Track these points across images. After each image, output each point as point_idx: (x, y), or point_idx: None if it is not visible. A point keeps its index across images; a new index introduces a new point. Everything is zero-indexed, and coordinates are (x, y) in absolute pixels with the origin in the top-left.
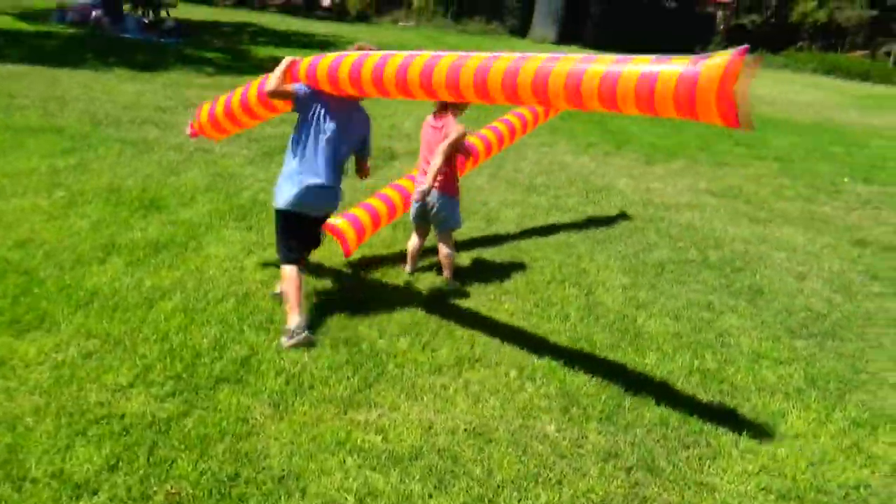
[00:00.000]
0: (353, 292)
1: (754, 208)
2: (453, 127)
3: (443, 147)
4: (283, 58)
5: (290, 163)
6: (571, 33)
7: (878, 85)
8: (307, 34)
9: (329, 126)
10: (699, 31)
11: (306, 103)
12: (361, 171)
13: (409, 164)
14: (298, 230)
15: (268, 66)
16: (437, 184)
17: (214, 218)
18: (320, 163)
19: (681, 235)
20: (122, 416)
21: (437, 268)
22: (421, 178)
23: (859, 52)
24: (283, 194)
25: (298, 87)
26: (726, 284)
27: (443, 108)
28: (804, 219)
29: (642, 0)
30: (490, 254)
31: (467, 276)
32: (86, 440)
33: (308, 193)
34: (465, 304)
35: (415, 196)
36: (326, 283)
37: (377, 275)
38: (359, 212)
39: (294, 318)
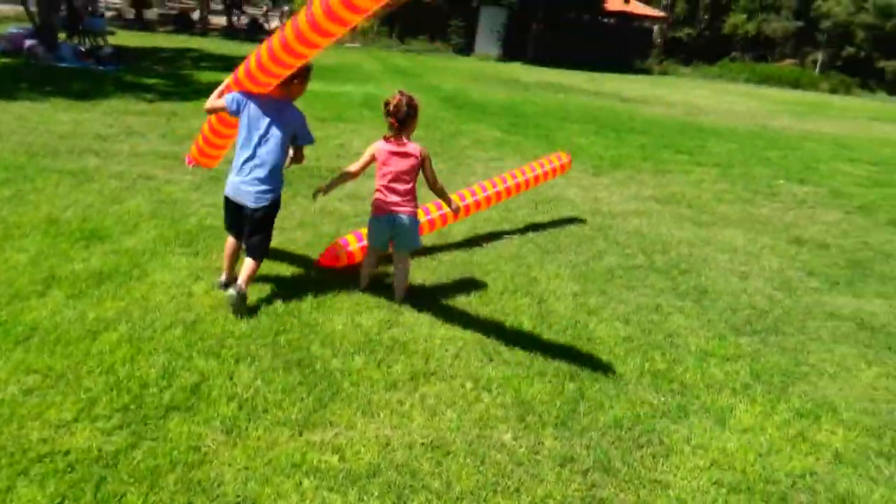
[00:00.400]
0: (306, 313)
1: (697, 212)
2: (422, 153)
3: (435, 181)
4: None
5: (236, 158)
6: (514, 51)
7: (808, 91)
8: None
9: (262, 123)
10: (638, 45)
11: (238, 108)
12: (297, 159)
13: (360, 184)
14: (237, 214)
15: (211, 90)
16: (410, 209)
17: (159, 245)
18: (257, 158)
19: (628, 242)
20: (67, 453)
21: (389, 286)
22: (390, 206)
23: (788, 61)
24: (227, 184)
25: (228, 97)
26: (673, 287)
27: (398, 132)
28: (744, 220)
29: (582, 17)
30: (442, 268)
31: (420, 291)
32: (28, 480)
33: (243, 185)
34: (418, 318)
35: (386, 223)
36: (277, 306)
37: (329, 295)
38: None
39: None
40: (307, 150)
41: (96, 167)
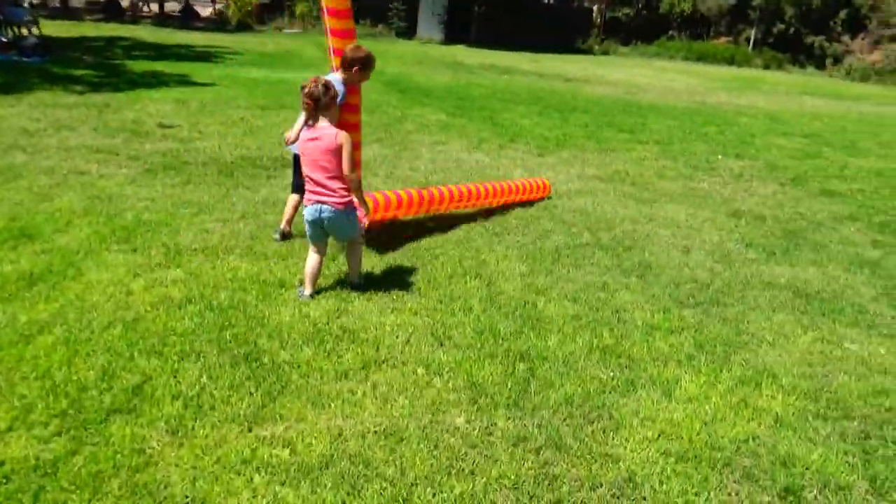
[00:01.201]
0: (251, 307)
1: (640, 189)
2: (339, 137)
3: (350, 167)
4: (161, 71)
5: None
6: (457, 34)
7: (742, 68)
8: (186, 45)
9: None
10: (578, 26)
11: None
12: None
13: None
14: None
15: (145, 80)
16: (335, 199)
17: (94, 242)
18: None
19: (574, 221)
20: (2, 463)
21: (337, 275)
22: (314, 196)
23: (723, 39)
24: None
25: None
26: (618, 264)
27: (315, 115)
28: (685, 196)
29: None
30: (391, 255)
31: (369, 279)
32: None
33: None
34: (368, 306)
35: (311, 216)
36: (222, 300)
37: (276, 287)
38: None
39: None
40: (247, 140)
41: (24, 163)
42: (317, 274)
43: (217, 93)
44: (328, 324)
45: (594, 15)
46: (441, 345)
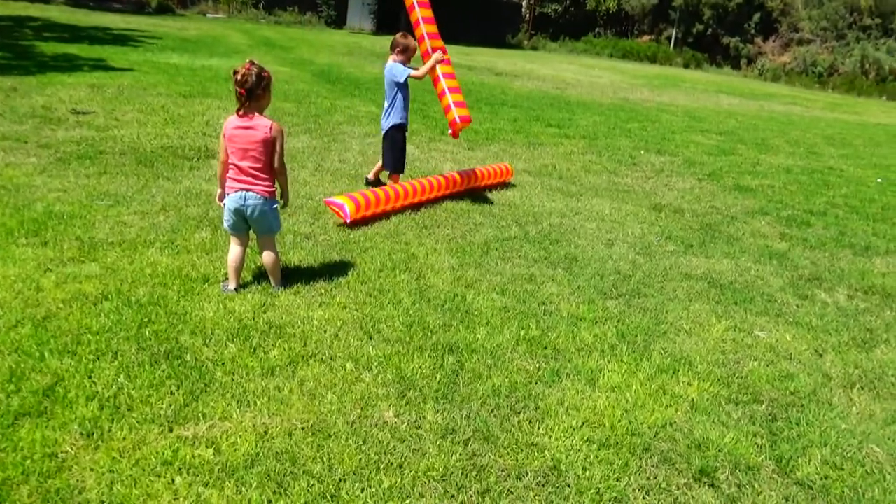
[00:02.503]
0: (173, 303)
1: (567, 183)
2: (273, 129)
3: (281, 162)
4: (75, 54)
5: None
6: (388, 24)
7: (664, 66)
8: (102, 28)
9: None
10: (508, 21)
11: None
12: None
13: None
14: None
15: (57, 64)
16: (262, 188)
17: (1, 236)
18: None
19: (503, 214)
20: None
21: (262, 272)
22: (238, 184)
23: (646, 37)
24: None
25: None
26: (545, 256)
27: (248, 106)
28: (610, 190)
29: None
30: (318, 249)
31: (296, 273)
32: None
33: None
34: (295, 301)
35: (235, 203)
36: (141, 296)
37: (198, 282)
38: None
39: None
40: (168, 129)
41: None
42: (240, 267)
43: (135, 79)
44: (254, 319)
45: (523, 10)
46: (370, 339)
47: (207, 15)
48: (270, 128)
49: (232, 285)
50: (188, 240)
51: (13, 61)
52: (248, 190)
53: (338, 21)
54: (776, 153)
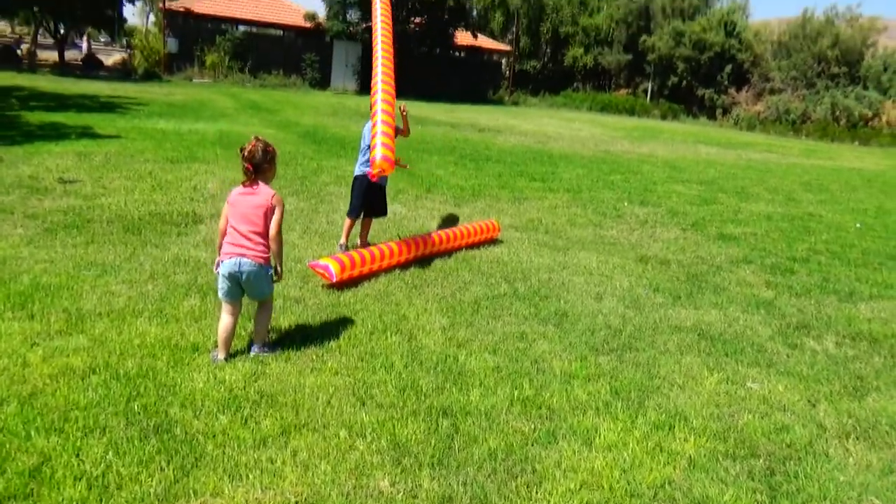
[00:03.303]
0: (162, 374)
1: (553, 237)
2: (275, 199)
3: (278, 231)
4: (62, 122)
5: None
6: (370, 84)
7: (642, 118)
8: (89, 96)
9: None
10: (489, 78)
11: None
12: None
13: (216, 227)
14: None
15: (44, 133)
16: (257, 253)
17: None
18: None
19: (492, 271)
20: None
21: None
22: (234, 248)
23: (623, 91)
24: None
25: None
26: (536, 313)
27: (253, 177)
28: (596, 243)
29: (434, 51)
30: (308, 313)
31: (286, 339)
32: None
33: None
34: (286, 368)
35: (229, 269)
36: (129, 368)
37: (188, 352)
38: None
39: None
40: (156, 195)
41: None
42: (230, 337)
43: (122, 146)
44: (245, 388)
45: (503, 68)
46: (363, 405)
47: (194, 80)
48: (272, 196)
49: (221, 355)
50: (177, 308)
51: None
52: (242, 256)
53: (322, 82)
54: (756, 201)
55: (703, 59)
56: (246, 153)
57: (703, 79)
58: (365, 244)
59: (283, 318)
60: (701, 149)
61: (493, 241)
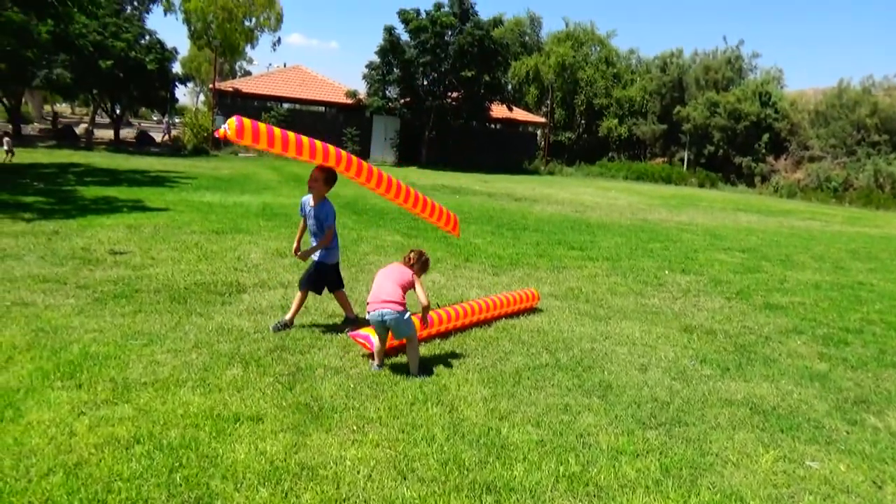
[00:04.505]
0: (204, 444)
1: (594, 306)
2: (413, 276)
3: (424, 295)
4: (114, 196)
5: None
6: (408, 156)
7: (679, 186)
8: (140, 171)
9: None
10: (524, 148)
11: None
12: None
13: (259, 296)
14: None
15: (97, 206)
16: (397, 307)
17: (37, 379)
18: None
19: (532, 340)
20: None
21: (295, 404)
22: (377, 303)
23: (659, 160)
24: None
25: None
26: (579, 384)
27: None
28: (638, 312)
29: (470, 124)
30: (350, 383)
31: (327, 408)
32: None
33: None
34: (327, 439)
35: (374, 319)
36: (172, 439)
37: (229, 421)
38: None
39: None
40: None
41: None
42: (383, 352)
43: (171, 218)
44: (285, 460)
45: (539, 138)
46: (404, 479)
47: (239, 154)
48: (411, 274)
49: (377, 361)
50: (220, 377)
51: (56, 206)
52: (385, 308)
53: (362, 155)
54: (802, 269)
55: (739, 129)
56: (412, 255)
57: (740, 147)
58: (353, 318)
59: (324, 388)
60: (741, 216)
61: (532, 310)
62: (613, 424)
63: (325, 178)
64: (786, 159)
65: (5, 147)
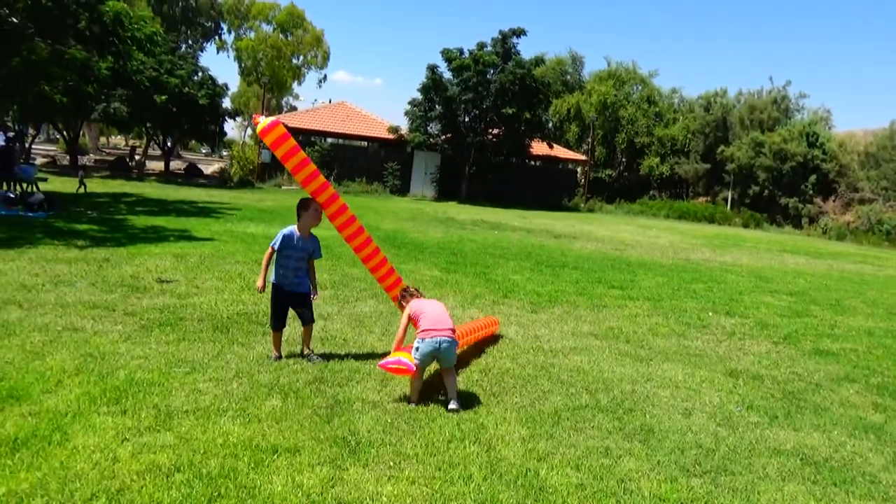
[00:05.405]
0: (242, 475)
1: (635, 347)
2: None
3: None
4: (162, 226)
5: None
6: (448, 191)
7: (722, 226)
8: (188, 201)
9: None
10: (564, 185)
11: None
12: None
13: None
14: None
15: (146, 235)
16: (453, 336)
17: (84, 404)
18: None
19: (572, 380)
20: None
21: (330, 437)
22: (438, 332)
23: (701, 199)
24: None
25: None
26: (620, 427)
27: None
28: (680, 354)
29: (510, 160)
30: (387, 418)
31: (364, 442)
32: None
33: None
34: (364, 474)
35: (431, 347)
36: (212, 468)
37: (268, 453)
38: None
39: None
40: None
41: (18, 320)
42: (420, 388)
43: (216, 248)
44: (322, 494)
45: (579, 176)
46: None
47: (283, 187)
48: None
49: (414, 398)
50: (259, 408)
51: (107, 234)
52: (443, 337)
53: (402, 189)
54: (854, 315)
55: (785, 169)
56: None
57: (787, 188)
58: (308, 353)
59: (361, 422)
60: (788, 258)
61: (568, 349)
62: (656, 470)
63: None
64: (834, 201)
65: (79, 178)
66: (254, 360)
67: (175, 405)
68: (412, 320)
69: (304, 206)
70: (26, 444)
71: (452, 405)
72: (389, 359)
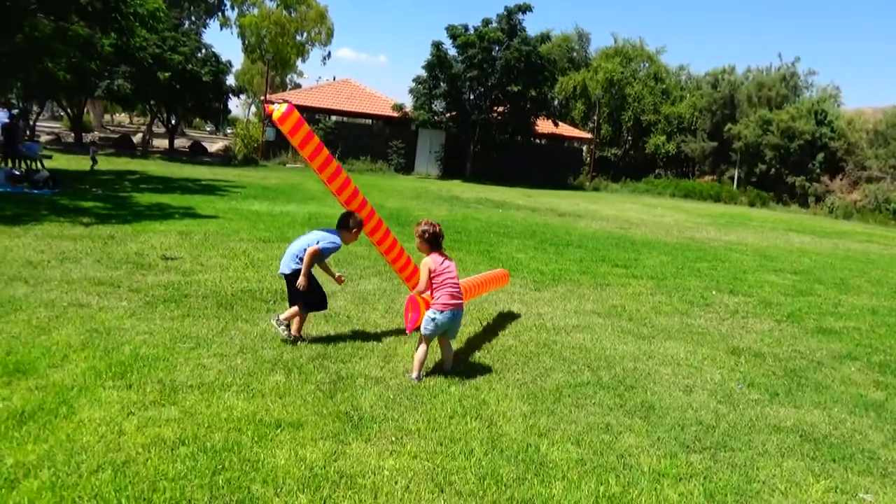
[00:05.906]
0: (246, 449)
1: (637, 325)
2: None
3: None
4: (167, 203)
5: None
6: (453, 170)
7: (728, 204)
8: (192, 179)
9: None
10: (569, 163)
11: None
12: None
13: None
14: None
15: (151, 212)
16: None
17: (89, 378)
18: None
19: (574, 358)
20: None
21: (335, 412)
22: (456, 300)
23: (707, 178)
24: None
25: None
26: (621, 404)
27: (440, 248)
28: (683, 332)
29: (515, 138)
30: (389, 393)
31: (366, 418)
32: None
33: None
34: (366, 448)
35: (454, 315)
36: (216, 441)
37: (271, 427)
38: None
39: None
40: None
41: (25, 295)
42: (424, 362)
43: (220, 225)
44: (325, 467)
45: (584, 154)
46: (442, 492)
47: (287, 165)
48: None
49: (422, 373)
50: (263, 383)
51: (112, 211)
52: (460, 306)
53: (406, 168)
54: (858, 293)
55: (792, 147)
56: (438, 229)
57: (794, 166)
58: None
59: (364, 397)
60: (793, 237)
61: (572, 327)
62: (656, 446)
63: None
64: (842, 179)
65: (91, 155)
66: (257, 336)
67: (180, 380)
68: (430, 277)
69: (344, 224)
70: (33, 416)
71: (446, 368)
72: (409, 317)
